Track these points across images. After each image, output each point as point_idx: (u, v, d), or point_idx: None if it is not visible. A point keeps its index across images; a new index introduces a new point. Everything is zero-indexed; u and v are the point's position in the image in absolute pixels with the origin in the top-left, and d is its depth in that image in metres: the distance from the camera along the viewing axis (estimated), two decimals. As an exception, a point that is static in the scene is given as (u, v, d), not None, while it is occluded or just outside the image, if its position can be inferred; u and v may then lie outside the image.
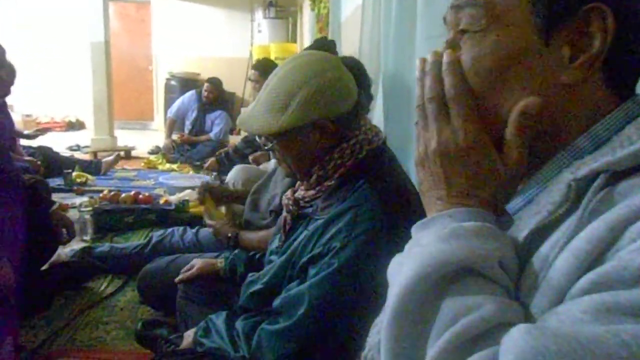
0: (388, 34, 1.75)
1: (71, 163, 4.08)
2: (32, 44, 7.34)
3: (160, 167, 4.72)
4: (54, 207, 2.11)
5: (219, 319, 1.20)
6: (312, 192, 1.15)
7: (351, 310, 0.99)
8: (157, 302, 1.82)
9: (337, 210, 1.06)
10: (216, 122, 5.22)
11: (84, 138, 6.19)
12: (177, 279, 1.54)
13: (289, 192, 1.24)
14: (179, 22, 8.15)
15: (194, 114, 5.29)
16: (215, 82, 5.32)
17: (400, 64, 1.68)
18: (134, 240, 2.54)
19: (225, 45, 8.15)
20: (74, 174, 3.88)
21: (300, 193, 1.19)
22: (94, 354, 1.55)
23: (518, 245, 0.49)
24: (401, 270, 0.47)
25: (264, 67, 3.83)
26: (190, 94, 5.46)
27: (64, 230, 2.07)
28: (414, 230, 0.53)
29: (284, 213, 1.24)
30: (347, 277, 0.99)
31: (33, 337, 1.65)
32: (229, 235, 1.85)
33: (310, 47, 2.73)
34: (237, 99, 7.72)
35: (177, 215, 2.87)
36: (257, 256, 1.50)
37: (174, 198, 3.07)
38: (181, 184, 3.55)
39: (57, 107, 7.73)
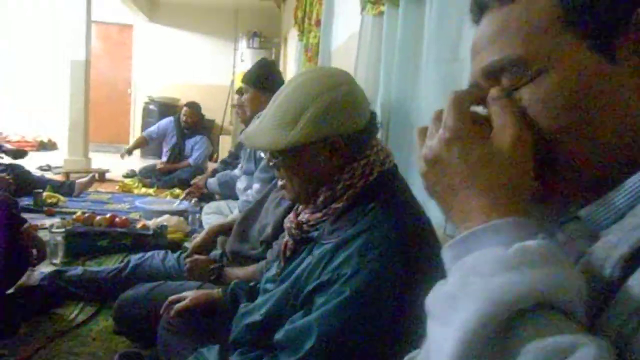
0: (390, 59, 1.72)
1: (43, 183, 3.91)
2: (7, 58, 7.16)
3: (136, 190, 4.57)
4: (25, 225, 1.97)
5: (210, 354, 1.10)
6: (318, 214, 1.08)
7: (365, 343, 0.90)
8: (135, 332, 1.69)
9: (347, 234, 0.98)
10: (196, 147, 5.13)
11: (56, 158, 5.98)
12: (172, 312, 1.39)
13: (291, 215, 1.16)
14: (161, 47, 8.11)
15: (174, 140, 5.20)
16: (194, 107, 5.27)
17: (403, 90, 1.64)
18: (108, 265, 2.39)
19: (207, 73, 8.13)
20: (45, 194, 3.71)
21: (304, 216, 1.11)
22: (63, 388, 1.41)
23: (600, 267, 0.42)
24: (456, 307, 0.39)
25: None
26: (168, 120, 5.38)
27: (34, 251, 1.94)
28: (450, 250, 0.45)
29: (285, 238, 1.16)
30: (359, 306, 0.91)
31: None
32: (211, 268, 1.76)
33: (249, 71, 2.65)
34: (217, 127, 7.65)
35: (154, 241, 2.73)
36: (258, 285, 1.39)
37: (151, 223, 2.93)
38: (159, 209, 3.42)
39: (29, 126, 7.50)
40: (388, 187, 1.06)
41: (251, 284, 1.46)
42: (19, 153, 4.05)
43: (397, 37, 1.65)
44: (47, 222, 3.02)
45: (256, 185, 2.33)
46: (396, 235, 0.96)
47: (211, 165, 5.07)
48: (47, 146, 7.69)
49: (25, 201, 3.50)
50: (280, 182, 1.14)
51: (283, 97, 1.04)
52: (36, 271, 2.08)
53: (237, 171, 3.01)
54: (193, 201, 3.63)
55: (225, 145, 6.26)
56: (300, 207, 1.18)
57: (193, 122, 5.19)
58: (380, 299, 0.92)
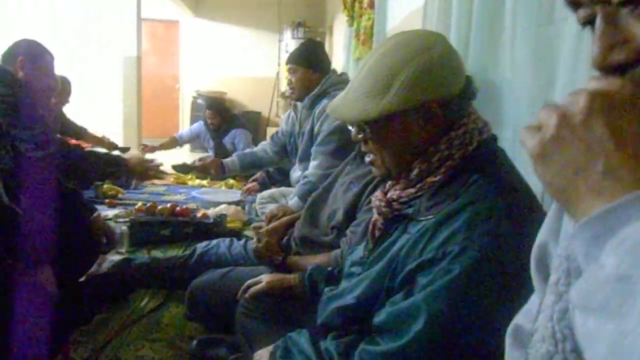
0: (465, 30, 1.61)
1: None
2: (60, 57, 7.37)
3: (190, 182, 4.61)
4: (94, 214, 1.99)
5: (301, 338, 1.04)
6: (411, 190, 1.00)
7: (476, 323, 0.83)
8: (208, 318, 1.67)
9: (450, 209, 0.90)
10: (236, 141, 5.01)
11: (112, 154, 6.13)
12: (246, 294, 1.36)
13: (378, 193, 1.09)
14: (206, 42, 8.18)
15: (211, 143, 5.09)
16: (213, 107, 5.03)
17: (480, 61, 1.54)
18: (172, 254, 2.39)
19: (252, 65, 8.14)
20: (104, 186, 3.78)
21: (394, 193, 1.04)
22: (142, 374, 1.40)
23: None
24: (635, 292, 0.31)
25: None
26: (198, 124, 5.20)
27: (103, 239, 1.95)
28: (585, 229, 0.36)
29: (374, 216, 1.09)
30: (470, 284, 0.83)
31: (74, 353, 1.50)
32: (277, 258, 1.71)
33: (296, 52, 2.58)
34: (263, 119, 7.66)
35: (215, 230, 2.72)
36: (336, 271, 1.34)
37: (210, 212, 2.93)
38: (216, 199, 3.42)
39: (85, 123, 7.72)
40: (489, 157, 0.97)
41: (329, 269, 1.41)
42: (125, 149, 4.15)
43: (472, 5, 1.54)
44: (110, 212, 3.07)
45: (315, 161, 2.26)
46: (504, 207, 0.88)
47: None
48: (104, 145, 7.91)
49: (88, 194, 3.57)
50: (368, 158, 1.07)
51: (372, 63, 0.97)
52: (106, 260, 2.09)
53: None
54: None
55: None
56: (389, 183, 1.11)
57: (219, 122, 4.97)
58: (491, 275, 0.84)
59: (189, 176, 4.78)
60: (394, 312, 0.88)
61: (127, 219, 2.57)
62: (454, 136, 0.96)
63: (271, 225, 2.07)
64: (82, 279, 1.90)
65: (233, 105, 7.66)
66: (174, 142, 5.26)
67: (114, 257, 2.16)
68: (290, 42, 7.64)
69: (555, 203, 0.59)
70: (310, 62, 2.40)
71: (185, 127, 7.98)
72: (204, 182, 4.61)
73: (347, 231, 1.59)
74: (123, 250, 2.47)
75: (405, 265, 0.92)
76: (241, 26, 8.18)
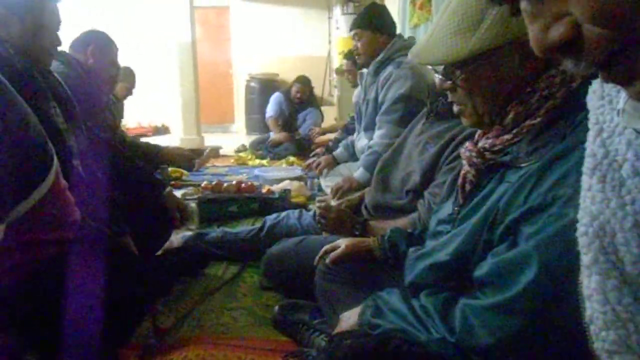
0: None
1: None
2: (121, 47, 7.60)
3: (250, 163, 4.66)
4: (167, 190, 2.02)
5: (392, 297, 1.00)
6: (506, 136, 0.92)
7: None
8: (285, 286, 1.66)
9: (557, 151, 0.82)
10: (307, 117, 5.13)
11: (172, 139, 6.29)
12: (327, 261, 1.33)
13: (468, 144, 1.02)
14: (256, 25, 8.19)
15: (284, 116, 5.21)
16: (304, 82, 5.24)
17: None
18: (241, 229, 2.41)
19: (303, 44, 8.09)
20: (169, 169, 3.88)
21: (486, 141, 0.97)
22: (226, 340, 1.40)
23: None
24: None
25: (357, 56, 3.65)
26: (276, 97, 5.37)
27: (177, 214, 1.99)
28: None
29: (464, 169, 1.02)
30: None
31: (157, 321, 1.53)
32: (355, 224, 1.66)
33: (360, 15, 2.49)
34: (317, 98, 7.61)
35: (280, 205, 2.73)
36: (416, 232, 1.28)
37: (276, 187, 2.94)
38: (278, 175, 3.43)
39: (143, 112, 7.96)
40: (595, 95, 0.88)
41: (408, 230, 1.36)
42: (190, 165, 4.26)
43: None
44: (177, 193, 3.14)
45: (380, 131, 2.20)
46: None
47: (329, 136, 5.03)
48: (161, 130, 8.15)
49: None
50: (455, 108, 1.00)
51: (457, 0, 0.89)
52: (179, 234, 2.13)
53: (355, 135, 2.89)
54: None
55: (328, 116, 6.19)
56: (478, 133, 1.04)
57: (306, 97, 5.18)
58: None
59: (249, 156, 4.85)
60: (498, 263, 0.82)
61: (196, 197, 2.61)
62: (554, 73, 0.87)
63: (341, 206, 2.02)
64: (158, 253, 1.95)
65: (286, 86, 7.67)
66: (275, 122, 5.25)
67: (186, 233, 2.20)
68: (340, 19, 7.51)
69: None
70: (376, 25, 2.33)
71: (240, 111, 8.08)
72: (264, 161, 4.65)
73: (426, 193, 1.53)
74: (193, 227, 2.52)
75: (506, 215, 0.85)
76: (290, 6, 8.12)
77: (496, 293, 0.81)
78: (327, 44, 8.00)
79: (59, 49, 1.70)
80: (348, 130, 3.52)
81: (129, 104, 4.61)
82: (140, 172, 2.00)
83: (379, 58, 2.30)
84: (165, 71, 6.73)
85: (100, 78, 2.48)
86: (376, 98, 2.34)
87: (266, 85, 7.39)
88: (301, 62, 7.71)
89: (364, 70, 2.48)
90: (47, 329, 0.88)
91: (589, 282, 0.54)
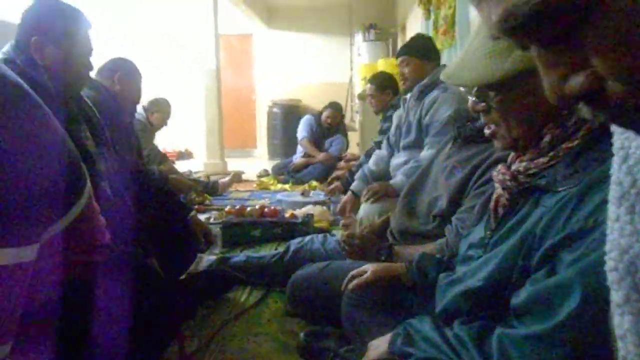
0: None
1: (190, 183, 4.13)
2: (145, 75, 7.79)
3: (272, 187, 4.68)
4: (192, 214, 2.03)
5: (424, 325, 0.97)
6: (542, 159, 0.90)
7: None
8: (310, 311, 1.63)
9: (596, 174, 0.79)
10: (334, 144, 5.16)
11: (195, 164, 6.37)
12: (350, 286, 1.31)
13: (501, 167, 0.99)
14: (279, 52, 8.33)
15: (313, 139, 5.25)
16: (336, 107, 5.29)
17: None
18: (264, 253, 2.40)
19: (325, 71, 8.18)
20: (193, 193, 3.91)
21: (520, 165, 0.94)
22: (251, 367, 1.38)
23: None
24: None
25: (381, 81, 3.67)
26: (307, 118, 5.44)
27: (202, 238, 1.99)
28: None
29: (497, 192, 1.00)
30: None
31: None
32: (380, 247, 1.64)
33: (408, 44, 2.57)
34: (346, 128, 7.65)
35: (303, 229, 2.71)
36: (445, 258, 1.25)
37: (299, 212, 2.93)
38: (301, 200, 3.43)
39: (167, 137, 8.10)
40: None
41: (437, 256, 1.33)
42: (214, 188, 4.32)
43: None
44: (201, 217, 3.15)
45: (430, 151, 2.19)
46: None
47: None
48: (184, 155, 8.27)
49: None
50: (488, 130, 0.98)
51: None
52: (203, 258, 2.13)
53: (383, 151, 2.88)
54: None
55: (350, 141, 6.19)
56: (511, 156, 1.02)
57: (335, 123, 5.24)
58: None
59: (271, 181, 4.86)
60: (538, 291, 0.78)
61: (219, 221, 2.61)
62: (592, 95, 0.85)
63: (365, 231, 2.00)
64: (182, 277, 1.94)
65: (308, 112, 7.74)
66: (310, 144, 5.29)
67: (210, 257, 2.19)
68: (362, 45, 7.60)
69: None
70: (423, 52, 2.43)
71: (262, 136, 8.16)
72: (287, 185, 4.66)
73: (453, 218, 1.50)
74: (217, 251, 2.52)
75: (544, 240, 0.82)
76: (312, 33, 8.26)
77: (536, 322, 0.77)
78: (349, 70, 8.08)
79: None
80: (370, 155, 3.52)
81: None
82: (165, 196, 2.02)
83: (424, 82, 2.37)
84: (190, 97, 6.87)
85: (125, 104, 2.56)
86: (419, 120, 2.37)
87: (288, 111, 7.47)
88: (323, 88, 7.79)
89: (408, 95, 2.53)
90: (74, 352, 0.87)
91: (621, 322, 0.50)
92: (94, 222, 0.94)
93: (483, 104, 0.94)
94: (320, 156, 5.09)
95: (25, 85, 0.72)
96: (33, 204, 0.64)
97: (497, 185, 0.99)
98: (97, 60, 2.20)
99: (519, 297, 0.82)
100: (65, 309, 0.84)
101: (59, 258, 0.80)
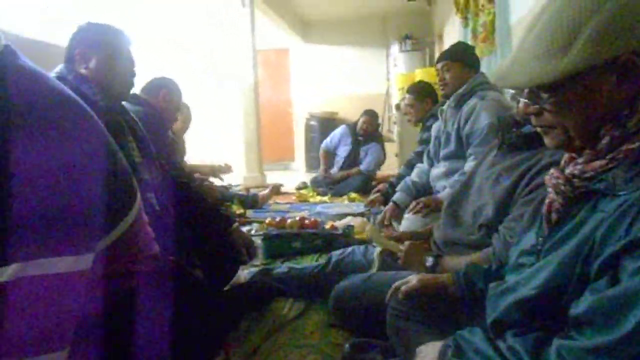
0: None
1: (231, 196, 4.18)
2: (186, 91, 7.98)
3: (311, 199, 4.68)
4: (234, 225, 2.04)
5: (475, 337, 0.94)
6: (599, 162, 0.86)
7: None
8: (354, 323, 1.61)
9: (662, 177, 0.75)
10: (369, 152, 5.14)
11: (234, 177, 6.45)
12: (399, 295, 1.28)
13: (554, 171, 0.95)
14: (315, 65, 8.41)
15: (348, 148, 5.27)
16: (372, 115, 5.32)
17: None
18: (305, 264, 2.39)
19: (361, 82, 8.20)
20: (233, 206, 3.97)
21: (574, 168, 0.90)
22: (296, 378, 1.36)
23: None
24: None
25: (420, 90, 3.63)
26: (341, 129, 5.50)
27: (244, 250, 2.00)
28: None
29: (549, 197, 0.96)
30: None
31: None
32: (428, 260, 1.60)
33: (450, 49, 2.55)
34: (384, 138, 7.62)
35: (344, 241, 2.69)
36: (494, 268, 1.21)
37: (339, 223, 2.91)
38: (341, 212, 3.41)
39: (207, 151, 8.24)
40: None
41: (485, 266, 1.29)
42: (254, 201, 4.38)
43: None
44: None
45: (473, 162, 2.14)
46: None
47: (381, 173, 5.01)
48: (223, 169, 8.39)
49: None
50: (540, 129, 0.95)
51: (546, 19, 0.85)
52: (245, 270, 2.14)
53: (425, 164, 2.84)
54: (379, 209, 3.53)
55: (388, 153, 6.14)
56: (564, 159, 0.98)
57: (371, 131, 5.25)
58: None
59: (310, 193, 4.87)
60: (600, 301, 0.74)
61: (261, 233, 2.62)
62: (656, 93, 0.81)
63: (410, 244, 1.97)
64: (226, 289, 1.95)
65: (344, 123, 7.74)
66: (327, 155, 5.47)
67: (252, 269, 2.20)
68: (398, 56, 7.59)
69: None
70: (465, 58, 2.41)
71: (300, 149, 8.21)
72: (326, 197, 4.65)
73: (500, 227, 1.45)
74: (258, 263, 2.53)
75: (604, 247, 0.78)
76: (348, 45, 8.30)
77: (598, 334, 0.73)
78: (386, 81, 8.06)
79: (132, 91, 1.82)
80: (410, 165, 3.47)
81: (193, 143, 4.79)
82: (208, 208, 2.04)
83: (460, 91, 2.34)
84: (228, 112, 6.99)
85: (166, 119, 2.65)
86: (458, 129, 2.33)
87: (325, 123, 7.50)
88: (360, 100, 7.79)
89: (444, 107, 2.50)
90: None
91: None
92: (143, 232, 0.96)
93: (535, 106, 0.90)
94: (341, 173, 5.12)
95: (84, 104, 0.75)
96: (90, 215, 0.67)
97: (549, 189, 0.95)
98: (140, 77, 2.28)
99: (579, 307, 0.77)
100: (111, 319, 0.86)
101: (110, 268, 0.82)
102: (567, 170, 0.92)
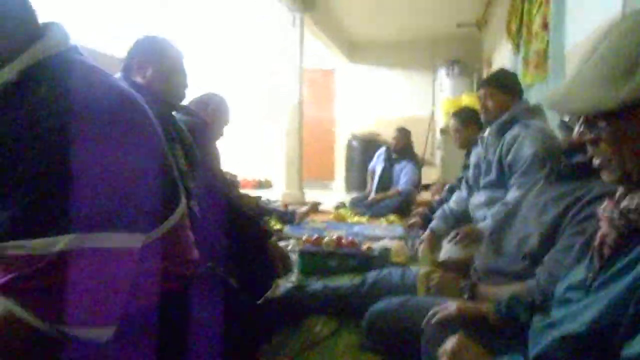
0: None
1: (269, 212, 4.22)
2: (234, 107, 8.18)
3: (349, 219, 4.66)
4: (272, 239, 2.05)
5: (515, 366, 0.90)
6: (658, 197, 0.82)
7: None
8: (388, 345, 1.57)
9: None
10: (404, 173, 5.11)
11: (273, 193, 6.51)
12: (434, 320, 1.26)
13: (608, 204, 0.91)
14: (360, 86, 8.45)
15: (382, 167, 5.28)
16: (402, 131, 5.35)
17: None
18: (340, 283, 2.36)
19: (406, 106, 8.17)
20: (271, 222, 3.99)
21: (631, 201, 0.86)
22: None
23: None
24: None
25: (465, 115, 3.59)
26: (382, 150, 5.58)
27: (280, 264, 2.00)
28: None
29: (602, 231, 0.92)
30: None
31: (256, 372, 1.51)
32: (463, 285, 1.57)
33: (492, 76, 2.51)
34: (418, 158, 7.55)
35: (380, 263, 2.66)
36: (538, 301, 1.17)
37: (376, 245, 2.88)
38: (378, 234, 3.38)
39: (248, 166, 8.37)
40: None
41: (528, 299, 1.24)
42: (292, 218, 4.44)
43: None
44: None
45: (515, 193, 2.09)
46: None
47: (420, 197, 4.95)
48: (263, 185, 8.50)
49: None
50: (597, 160, 0.91)
51: (608, 44, 0.82)
52: (280, 285, 2.14)
53: (463, 192, 2.80)
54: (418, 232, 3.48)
55: (429, 177, 6.07)
56: (619, 192, 0.93)
57: (402, 146, 5.27)
58: None
59: (348, 212, 4.85)
60: (656, 342, 0.70)
61: (297, 249, 2.62)
62: None
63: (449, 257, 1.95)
64: (260, 301, 1.95)
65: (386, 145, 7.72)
66: (371, 176, 5.51)
67: (287, 284, 2.20)
68: (444, 81, 7.53)
69: None
70: (507, 85, 2.37)
71: (340, 168, 8.22)
72: (363, 218, 4.62)
73: (546, 258, 1.40)
74: (293, 279, 2.52)
75: (660, 285, 0.74)
76: (394, 68, 8.31)
77: (652, 377, 0.69)
78: (431, 105, 8.01)
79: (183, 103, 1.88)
80: (452, 191, 3.41)
81: (235, 158, 4.88)
82: (247, 220, 2.06)
83: (503, 119, 2.29)
84: (272, 128, 7.10)
85: (212, 132, 2.71)
86: (500, 158, 2.28)
87: (367, 145, 7.48)
88: (404, 123, 7.69)
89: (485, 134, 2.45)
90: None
91: None
92: (185, 236, 0.98)
93: (591, 135, 0.87)
94: (380, 195, 5.14)
95: (142, 103, 0.81)
96: (142, 200, 0.74)
97: (602, 223, 0.91)
98: (190, 90, 2.37)
99: (633, 348, 0.73)
100: (160, 321, 0.87)
101: (156, 265, 0.85)
102: (623, 204, 0.88)
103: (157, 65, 1.60)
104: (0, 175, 0.70)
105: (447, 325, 1.24)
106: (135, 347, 0.83)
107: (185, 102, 2.07)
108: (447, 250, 2.35)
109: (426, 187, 5.59)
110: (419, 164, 5.41)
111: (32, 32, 0.80)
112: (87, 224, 0.68)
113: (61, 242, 0.66)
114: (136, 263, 0.76)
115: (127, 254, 0.73)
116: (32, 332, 0.66)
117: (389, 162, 5.33)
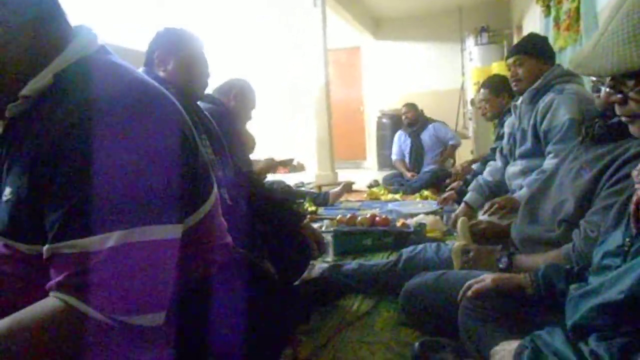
0: None
1: (302, 194, 4.25)
2: (261, 92, 8.20)
3: (383, 197, 4.64)
4: (305, 221, 2.07)
5: (555, 338, 0.89)
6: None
7: None
8: (424, 321, 1.58)
9: None
10: (440, 134, 5.17)
11: (306, 176, 6.53)
12: (469, 293, 1.25)
13: (643, 165, 0.88)
14: (387, 62, 8.31)
15: (409, 144, 5.27)
16: (409, 104, 5.43)
17: None
18: (376, 261, 2.37)
19: (434, 78, 8.01)
20: (305, 204, 4.02)
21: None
22: (364, 375, 1.36)
23: None
24: None
25: (496, 84, 3.49)
26: (399, 133, 5.60)
27: (314, 244, 2.01)
28: None
29: (637, 194, 0.89)
30: None
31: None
32: (500, 258, 1.54)
33: (521, 42, 2.40)
34: (449, 131, 7.42)
35: (415, 239, 2.64)
36: (576, 269, 1.14)
37: (411, 221, 2.87)
38: (413, 210, 3.36)
39: (279, 150, 8.41)
40: None
41: (565, 267, 1.21)
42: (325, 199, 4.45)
43: None
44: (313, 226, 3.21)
45: (552, 161, 2.03)
46: None
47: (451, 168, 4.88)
48: (296, 169, 8.53)
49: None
50: (625, 118, 0.88)
51: (632, 2, 0.79)
52: (316, 265, 2.16)
53: (498, 162, 2.74)
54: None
55: (461, 151, 5.95)
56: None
57: (416, 116, 5.32)
58: None
59: (382, 191, 4.84)
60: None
61: (331, 229, 2.64)
62: None
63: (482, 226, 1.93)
64: (296, 283, 1.98)
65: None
66: (401, 163, 5.49)
67: (322, 265, 2.22)
68: (473, 50, 7.33)
69: None
70: (538, 51, 2.27)
71: (372, 147, 8.16)
72: (397, 195, 4.60)
73: (581, 222, 1.36)
74: (329, 259, 2.54)
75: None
76: (421, 41, 8.14)
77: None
78: (460, 77, 7.83)
79: (206, 91, 1.90)
80: (486, 162, 3.34)
81: (264, 142, 4.91)
82: (280, 203, 2.08)
83: (535, 85, 2.21)
84: (300, 110, 7.10)
85: (238, 117, 2.72)
86: (534, 126, 2.21)
87: (397, 121, 7.38)
88: (432, 96, 7.62)
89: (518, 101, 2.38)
90: (192, 351, 0.92)
91: None
92: (217, 222, 1.01)
93: (620, 95, 0.84)
94: (409, 175, 5.19)
95: (169, 96, 0.84)
96: (177, 193, 0.77)
97: (637, 186, 0.88)
98: (213, 78, 2.39)
99: (672, 313, 0.71)
100: (187, 306, 0.90)
101: (193, 251, 0.89)
102: (658, 163, 0.85)
103: (177, 57, 1.62)
104: (42, 180, 0.73)
105: (483, 298, 1.23)
106: (178, 329, 0.86)
107: (209, 90, 2.09)
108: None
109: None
110: (434, 121, 5.39)
111: (65, 34, 0.82)
112: (130, 220, 0.72)
113: (111, 239, 0.70)
114: (178, 251, 0.79)
115: (170, 244, 0.77)
116: (94, 324, 0.70)
117: (414, 135, 5.30)
